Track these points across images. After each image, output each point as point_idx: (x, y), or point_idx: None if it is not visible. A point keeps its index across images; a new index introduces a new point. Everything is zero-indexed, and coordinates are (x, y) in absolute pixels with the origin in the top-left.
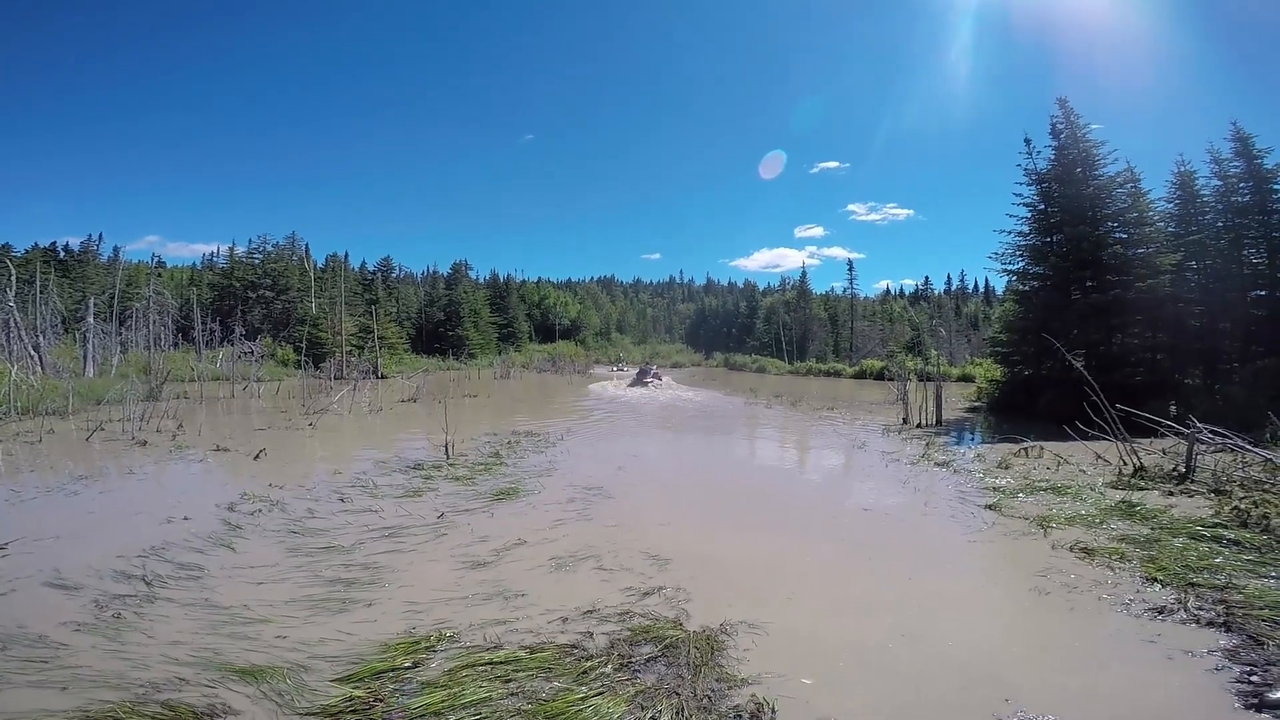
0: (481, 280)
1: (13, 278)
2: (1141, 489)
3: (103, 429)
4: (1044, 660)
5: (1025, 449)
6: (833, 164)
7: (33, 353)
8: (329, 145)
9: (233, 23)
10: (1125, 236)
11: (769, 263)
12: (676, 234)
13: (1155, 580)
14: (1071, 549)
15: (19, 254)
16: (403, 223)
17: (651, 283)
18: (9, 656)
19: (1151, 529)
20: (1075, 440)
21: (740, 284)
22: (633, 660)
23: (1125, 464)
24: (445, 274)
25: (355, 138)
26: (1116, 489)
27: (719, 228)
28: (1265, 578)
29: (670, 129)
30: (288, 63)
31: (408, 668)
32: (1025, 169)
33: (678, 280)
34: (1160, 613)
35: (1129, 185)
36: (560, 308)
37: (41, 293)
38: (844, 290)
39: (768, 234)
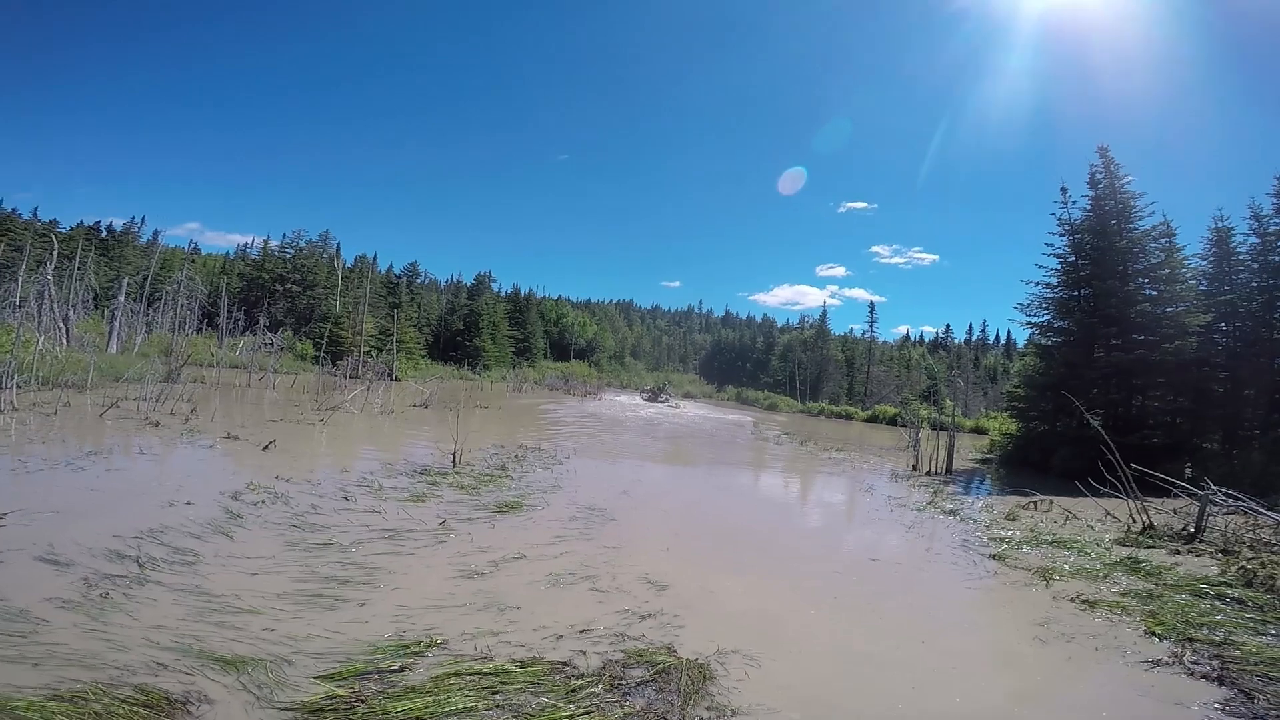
0: (503, 293)
1: (54, 252)
2: (1149, 546)
3: (118, 406)
4: (1036, 710)
5: (1034, 502)
6: (860, 204)
7: (61, 324)
8: (371, 148)
9: (286, 21)
10: (1155, 294)
11: (789, 299)
12: (699, 264)
13: (1154, 634)
14: (1073, 600)
15: (64, 230)
16: (433, 230)
17: (669, 310)
18: None
19: (1155, 585)
20: (1086, 496)
21: (759, 318)
22: (623, 682)
23: (1134, 521)
24: (469, 284)
25: (397, 143)
26: (1123, 545)
27: (741, 261)
28: (1264, 635)
29: (702, 161)
30: (335, 65)
31: (394, 670)
32: (1059, 219)
33: (696, 310)
34: (1156, 665)
35: (1164, 240)
36: (577, 327)
37: (79, 269)
38: (863, 333)
39: (790, 270)
